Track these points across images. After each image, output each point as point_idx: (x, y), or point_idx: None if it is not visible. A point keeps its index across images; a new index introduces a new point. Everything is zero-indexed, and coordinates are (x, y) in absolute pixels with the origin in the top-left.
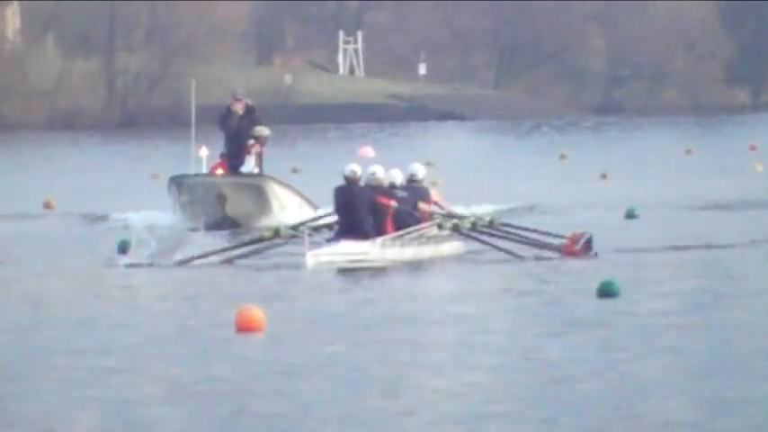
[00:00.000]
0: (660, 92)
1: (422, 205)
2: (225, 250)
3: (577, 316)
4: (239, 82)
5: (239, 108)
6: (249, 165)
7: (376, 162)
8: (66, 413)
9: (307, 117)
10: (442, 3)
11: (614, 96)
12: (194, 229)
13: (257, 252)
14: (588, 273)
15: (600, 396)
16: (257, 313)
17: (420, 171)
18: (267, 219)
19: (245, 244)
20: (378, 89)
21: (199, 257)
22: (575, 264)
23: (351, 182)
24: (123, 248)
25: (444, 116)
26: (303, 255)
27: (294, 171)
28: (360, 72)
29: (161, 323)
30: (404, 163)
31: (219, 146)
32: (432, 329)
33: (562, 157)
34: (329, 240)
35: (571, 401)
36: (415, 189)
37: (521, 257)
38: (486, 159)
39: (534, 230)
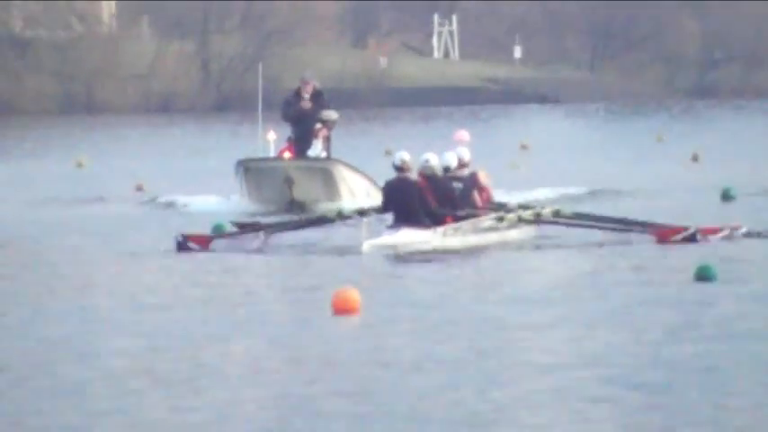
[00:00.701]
0: (756, 74)
1: (474, 194)
2: (287, 225)
3: (676, 299)
4: (334, 65)
5: (308, 91)
6: (316, 149)
7: (471, 146)
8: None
9: (401, 100)
10: None
11: (709, 79)
12: (262, 213)
13: (318, 228)
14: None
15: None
16: (354, 295)
17: (466, 155)
18: (335, 203)
19: (307, 222)
20: (472, 72)
21: (255, 229)
22: (661, 249)
23: (401, 171)
24: (216, 232)
25: (539, 99)
26: (360, 242)
27: (388, 153)
28: (455, 55)
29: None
30: (499, 147)
31: (287, 129)
32: (528, 317)
33: (659, 139)
34: (389, 227)
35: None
36: (465, 179)
37: (598, 245)
38: (580, 142)
39: (609, 218)
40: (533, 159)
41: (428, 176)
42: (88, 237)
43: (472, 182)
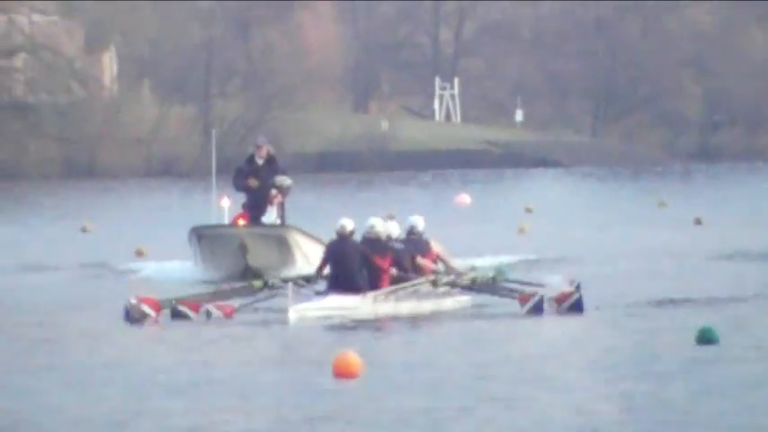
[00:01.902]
0: (758, 137)
1: (420, 260)
2: (214, 296)
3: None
4: (335, 129)
5: (262, 155)
6: (271, 215)
7: (473, 210)
8: None
9: (403, 164)
10: (537, 49)
11: (711, 142)
12: (215, 281)
13: (247, 304)
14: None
15: None
16: (355, 359)
17: (419, 223)
18: (290, 270)
19: (233, 292)
20: (474, 136)
21: (182, 301)
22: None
23: (342, 236)
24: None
25: (541, 163)
26: (286, 309)
27: (390, 218)
28: (456, 118)
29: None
30: (502, 210)
31: (241, 196)
32: (525, 377)
33: (661, 204)
34: (318, 293)
35: None
36: (413, 242)
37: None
38: (583, 207)
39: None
40: (535, 223)
41: (372, 240)
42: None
43: (423, 246)
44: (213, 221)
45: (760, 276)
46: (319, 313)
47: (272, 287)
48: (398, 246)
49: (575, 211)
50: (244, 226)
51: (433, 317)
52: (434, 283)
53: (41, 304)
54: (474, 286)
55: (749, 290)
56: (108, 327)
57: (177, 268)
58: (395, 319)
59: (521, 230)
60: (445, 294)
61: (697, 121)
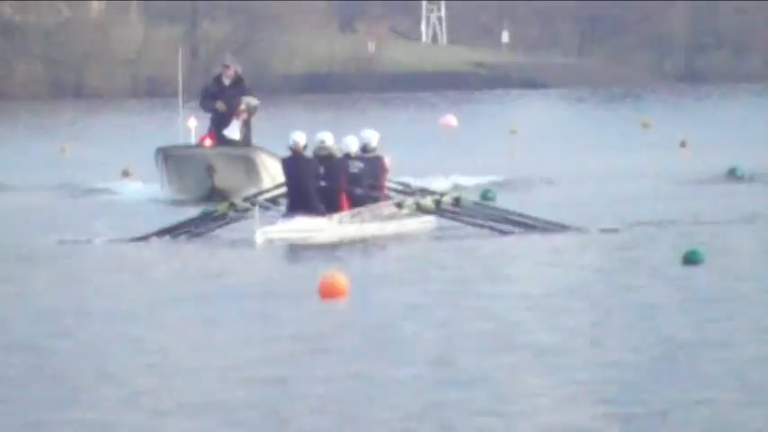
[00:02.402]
0: (744, 60)
1: (374, 178)
2: (179, 227)
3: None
4: (323, 51)
5: (229, 75)
6: (233, 128)
7: (459, 131)
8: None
9: (389, 85)
10: None
11: (697, 64)
12: (182, 202)
13: (211, 229)
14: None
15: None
16: (341, 280)
17: (373, 138)
18: (257, 190)
19: (196, 219)
20: (461, 57)
21: (156, 234)
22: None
23: (296, 152)
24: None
25: (527, 84)
26: (253, 232)
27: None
28: (443, 40)
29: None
30: (488, 132)
31: (209, 117)
32: (515, 295)
33: (644, 125)
34: (284, 216)
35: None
36: (369, 159)
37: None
38: (568, 128)
39: (497, 210)
40: (520, 144)
41: (323, 157)
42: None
43: (378, 165)
44: (180, 142)
45: (745, 198)
46: (285, 235)
47: (237, 209)
48: (356, 164)
49: (559, 133)
50: (211, 147)
51: (414, 236)
52: (399, 206)
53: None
54: (439, 209)
55: (734, 212)
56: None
57: (141, 190)
58: (376, 238)
59: (508, 152)
60: (410, 215)
61: (683, 44)
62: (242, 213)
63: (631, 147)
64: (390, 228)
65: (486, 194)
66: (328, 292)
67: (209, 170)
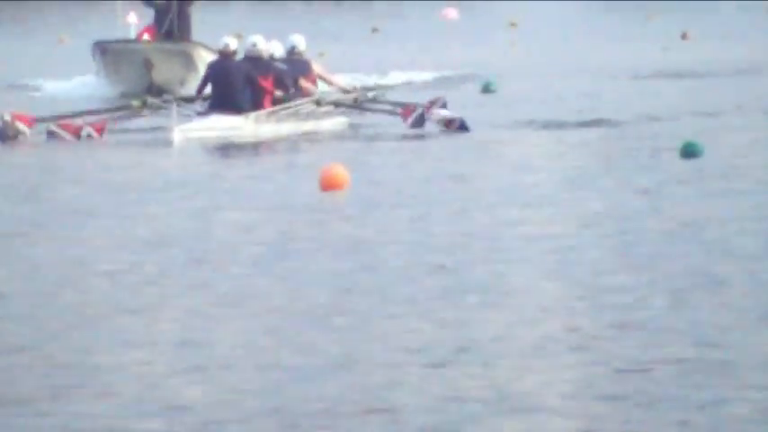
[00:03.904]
0: None
1: (302, 82)
2: (90, 113)
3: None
4: None
5: None
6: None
7: (459, 23)
8: None
9: None
10: None
11: None
12: (119, 96)
13: (124, 119)
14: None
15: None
16: (341, 171)
17: (300, 43)
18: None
19: (113, 110)
20: None
21: (62, 118)
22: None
23: (225, 55)
24: None
25: None
26: (170, 129)
27: (374, 31)
28: None
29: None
30: (488, 26)
31: (149, 12)
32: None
33: (649, 17)
34: (200, 114)
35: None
36: (295, 62)
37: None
38: (571, 22)
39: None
40: (517, 39)
41: (255, 59)
42: None
43: (303, 67)
44: (118, 36)
45: (745, 91)
46: (202, 133)
47: (152, 107)
48: (281, 65)
49: (561, 26)
50: (149, 42)
51: (329, 135)
52: (318, 103)
53: None
54: (359, 105)
55: (734, 104)
56: None
57: (79, 84)
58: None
59: (510, 44)
60: (325, 115)
61: None
62: (156, 111)
63: (633, 39)
64: (306, 127)
65: (487, 86)
66: (329, 184)
67: (147, 64)
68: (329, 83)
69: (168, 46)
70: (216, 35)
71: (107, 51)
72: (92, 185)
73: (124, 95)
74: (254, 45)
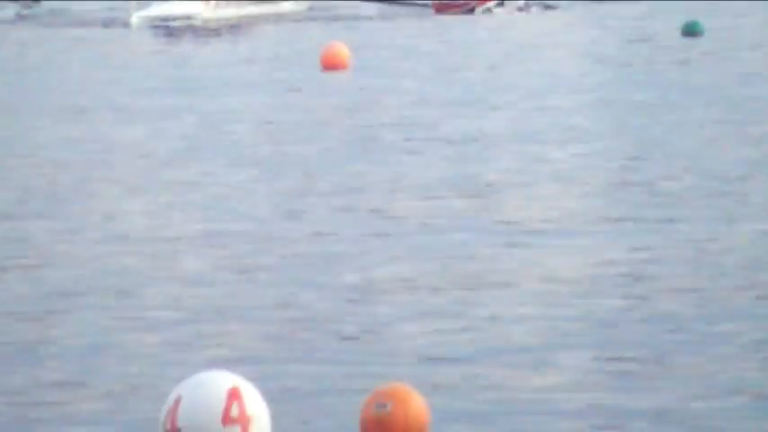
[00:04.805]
0: None
1: None
2: None
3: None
4: None
5: None
6: None
7: None
8: None
9: None
10: None
11: None
12: None
13: None
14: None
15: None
16: (342, 50)
17: None
18: None
19: None
20: None
21: None
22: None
23: None
24: None
25: None
26: (129, 12)
27: None
28: None
29: None
30: None
31: None
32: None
33: None
34: None
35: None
36: None
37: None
38: None
39: None
40: None
41: None
42: None
43: None
44: None
45: None
46: (160, 18)
47: None
48: None
49: None
50: None
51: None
52: None
53: None
54: None
55: None
56: None
57: None
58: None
59: None
60: None
61: None
62: None
63: None
64: (265, 8)
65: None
66: (330, 63)
67: None
68: None
69: None
70: None
71: None
72: None
73: None
74: None
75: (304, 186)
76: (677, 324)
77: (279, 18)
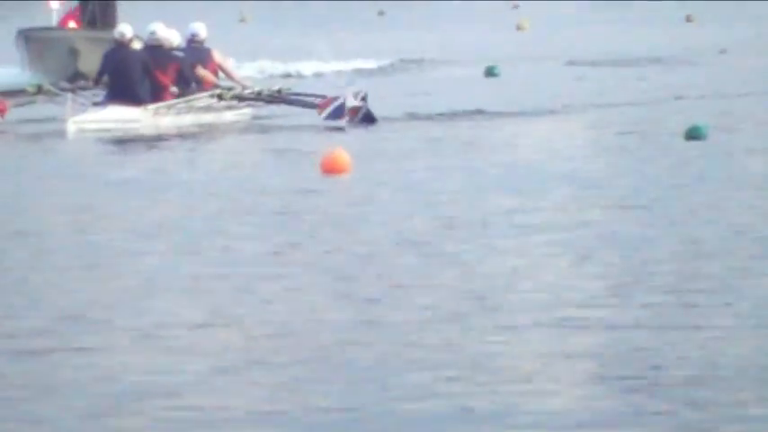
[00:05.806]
0: None
1: (201, 70)
2: None
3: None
4: None
5: None
6: None
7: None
8: None
9: None
10: None
11: None
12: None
13: (18, 105)
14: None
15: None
16: (343, 155)
17: (201, 30)
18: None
19: (7, 93)
20: None
21: None
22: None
23: (121, 44)
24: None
25: None
26: (64, 120)
27: (380, 14)
28: None
29: None
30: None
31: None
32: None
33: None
34: (97, 104)
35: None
36: (195, 50)
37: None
38: (572, 1)
39: (311, 95)
40: (522, 20)
41: (153, 48)
42: None
43: (205, 55)
44: (40, 24)
45: (750, 74)
46: (99, 125)
47: (48, 93)
48: (180, 54)
49: (563, 6)
50: (74, 29)
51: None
52: (220, 97)
53: None
54: (263, 98)
55: (739, 87)
56: None
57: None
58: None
59: (519, 28)
60: (227, 108)
61: None
62: (51, 98)
63: (639, 23)
64: (206, 119)
65: (491, 71)
66: (330, 168)
67: (73, 53)
68: (228, 76)
69: (95, 34)
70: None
71: (31, 39)
72: None
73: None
74: (154, 33)
75: None
76: None
77: (222, 128)
